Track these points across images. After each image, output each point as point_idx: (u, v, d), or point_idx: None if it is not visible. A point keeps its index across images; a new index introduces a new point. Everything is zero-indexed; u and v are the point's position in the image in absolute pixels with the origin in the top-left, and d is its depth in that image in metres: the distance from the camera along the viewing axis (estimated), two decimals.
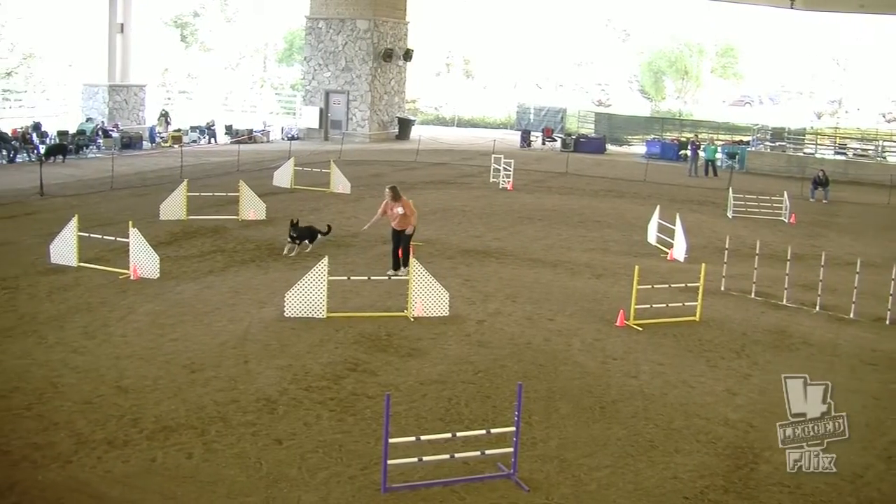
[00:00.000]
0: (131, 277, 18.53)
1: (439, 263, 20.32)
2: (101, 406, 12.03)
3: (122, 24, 48.61)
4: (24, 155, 38.29)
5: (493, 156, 36.33)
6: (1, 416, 11.59)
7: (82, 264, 19.30)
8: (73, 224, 19.44)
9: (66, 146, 39.30)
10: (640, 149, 54.41)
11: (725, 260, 19.81)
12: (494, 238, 24.38)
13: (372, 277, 17.68)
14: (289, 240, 21.61)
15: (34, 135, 40.72)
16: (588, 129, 58.58)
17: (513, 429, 10.27)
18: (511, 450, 10.33)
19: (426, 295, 16.56)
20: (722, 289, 19.39)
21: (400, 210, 19.27)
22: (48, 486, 9.84)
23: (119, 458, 10.52)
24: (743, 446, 11.60)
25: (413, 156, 42.78)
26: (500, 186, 34.15)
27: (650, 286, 17.24)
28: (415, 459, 10.16)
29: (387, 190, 19.66)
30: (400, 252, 19.46)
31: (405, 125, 53.72)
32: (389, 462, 9.90)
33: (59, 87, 58.26)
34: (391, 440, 9.89)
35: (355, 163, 38.59)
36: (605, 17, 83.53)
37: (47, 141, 40.44)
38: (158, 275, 18.60)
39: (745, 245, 23.40)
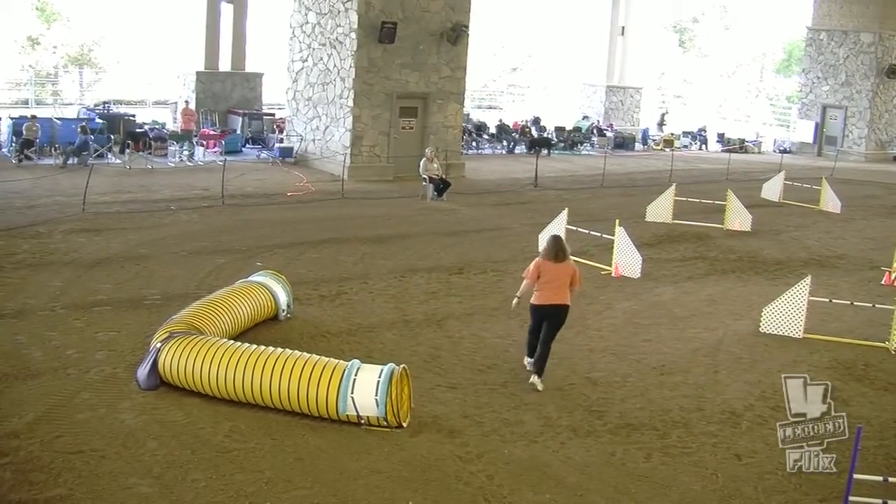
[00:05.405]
0: (612, 275, 19.07)
1: None
2: (570, 394, 12.53)
3: (622, 27, 49.92)
4: (522, 147, 40.48)
5: None
6: (478, 390, 12.43)
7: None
8: (563, 217, 20.26)
9: (550, 140, 41.31)
10: None
11: None
12: None
13: (855, 303, 16.88)
14: None
15: (533, 128, 42.92)
16: None
17: None
18: None
19: None
20: None
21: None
22: (512, 461, 10.42)
23: (581, 447, 10.91)
24: None
25: None
26: None
27: None
28: (879, 501, 9.63)
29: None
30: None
31: None
32: (851, 498, 9.47)
33: (560, 85, 60.81)
34: (856, 475, 9.45)
35: (848, 182, 36.82)
36: None
37: (544, 135, 42.49)
38: (639, 275, 18.97)
39: None
